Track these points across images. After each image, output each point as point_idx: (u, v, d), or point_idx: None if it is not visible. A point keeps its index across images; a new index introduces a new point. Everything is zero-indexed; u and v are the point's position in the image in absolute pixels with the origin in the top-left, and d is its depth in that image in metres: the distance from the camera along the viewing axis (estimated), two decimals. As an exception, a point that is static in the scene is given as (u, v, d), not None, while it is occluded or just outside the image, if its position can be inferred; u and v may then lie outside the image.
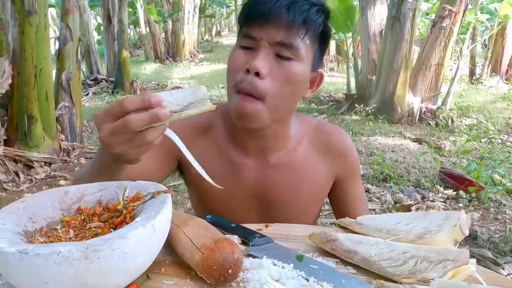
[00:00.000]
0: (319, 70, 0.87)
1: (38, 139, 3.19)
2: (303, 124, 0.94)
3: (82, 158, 3.56)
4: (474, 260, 0.59)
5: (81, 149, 3.66)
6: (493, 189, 2.74)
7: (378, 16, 5.51)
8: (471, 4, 6.42)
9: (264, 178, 0.90)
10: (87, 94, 7.05)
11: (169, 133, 0.64)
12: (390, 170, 3.29)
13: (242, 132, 0.88)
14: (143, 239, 0.56)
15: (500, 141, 4.45)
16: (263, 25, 0.77)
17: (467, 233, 0.64)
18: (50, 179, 3.10)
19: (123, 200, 0.70)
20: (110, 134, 0.57)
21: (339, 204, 0.98)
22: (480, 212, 2.60)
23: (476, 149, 4.07)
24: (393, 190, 3.00)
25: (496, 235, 2.28)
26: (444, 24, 4.96)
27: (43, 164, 3.13)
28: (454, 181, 2.96)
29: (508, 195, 2.80)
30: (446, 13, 4.91)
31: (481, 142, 4.28)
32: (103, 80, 7.86)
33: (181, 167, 0.94)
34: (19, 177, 2.96)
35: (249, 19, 0.79)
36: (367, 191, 2.93)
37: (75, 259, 0.50)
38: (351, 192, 0.97)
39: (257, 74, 0.75)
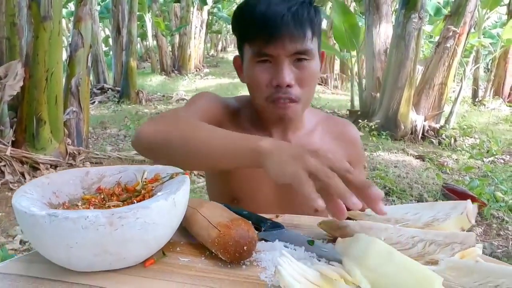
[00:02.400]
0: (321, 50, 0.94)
1: (46, 141, 3.23)
2: (313, 114, 1.02)
3: (88, 162, 3.59)
4: (480, 245, 0.61)
5: (86, 154, 3.69)
6: (496, 206, 2.74)
7: (383, 34, 5.61)
8: (474, 28, 6.53)
9: None
10: (93, 103, 7.13)
11: None
12: (393, 184, 3.31)
13: (265, 119, 0.96)
14: (164, 211, 0.58)
15: (502, 161, 4.46)
16: (277, 42, 0.82)
17: (473, 221, 0.66)
18: (55, 182, 3.11)
19: (141, 181, 0.73)
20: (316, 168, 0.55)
21: None
22: (483, 228, 2.61)
23: (478, 168, 4.09)
24: (395, 204, 3.01)
25: (499, 250, 2.29)
26: (448, 45, 5.04)
27: (49, 166, 3.16)
28: (457, 196, 2.97)
29: (511, 212, 2.81)
30: (450, 34, 5.00)
31: (483, 161, 4.30)
32: (109, 90, 7.96)
33: None
34: (25, 178, 2.99)
35: (260, 38, 0.83)
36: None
37: (100, 224, 0.53)
38: None
39: (287, 86, 0.84)
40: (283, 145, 0.61)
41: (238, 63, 0.96)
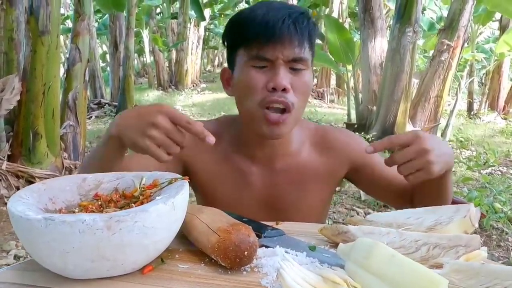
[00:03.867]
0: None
1: (42, 155, 3.21)
2: (303, 128, 0.98)
3: (84, 177, 3.56)
4: (485, 247, 0.60)
5: (83, 168, 3.66)
6: (495, 217, 2.73)
7: (379, 48, 5.67)
8: (467, 43, 6.62)
9: (271, 183, 0.94)
10: (90, 118, 7.12)
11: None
12: (391, 196, 3.29)
13: (249, 142, 0.93)
14: (163, 215, 0.57)
15: (500, 172, 4.47)
16: (276, 45, 0.81)
17: (476, 225, 0.66)
18: (51, 196, 3.08)
19: (140, 187, 0.72)
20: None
21: (377, 182, 0.96)
22: (483, 239, 2.59)
23: (476, 179, 4.09)
24: (394, 216, 2.99)
25: (500, 262, 2.26)
26: (442, 58, 5.10)
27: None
28: (456, 208, 2.96)
29: (510, 223, 2.80)
30: (445, 47, 5.06)
31: (480, 173, 4.31)
32: (107, 104, 7.96)
33: (187, 173, 0.93)
34: (20, 193, 2.95)
35: (258, 41, 0.82)
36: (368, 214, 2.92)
37: (98, 228, 0.52)
38: (378, 166, 0.95)
39: (283, 90, 0.82)
40: (127, 122, 0.73)
41: (226, 75, 0.92)
